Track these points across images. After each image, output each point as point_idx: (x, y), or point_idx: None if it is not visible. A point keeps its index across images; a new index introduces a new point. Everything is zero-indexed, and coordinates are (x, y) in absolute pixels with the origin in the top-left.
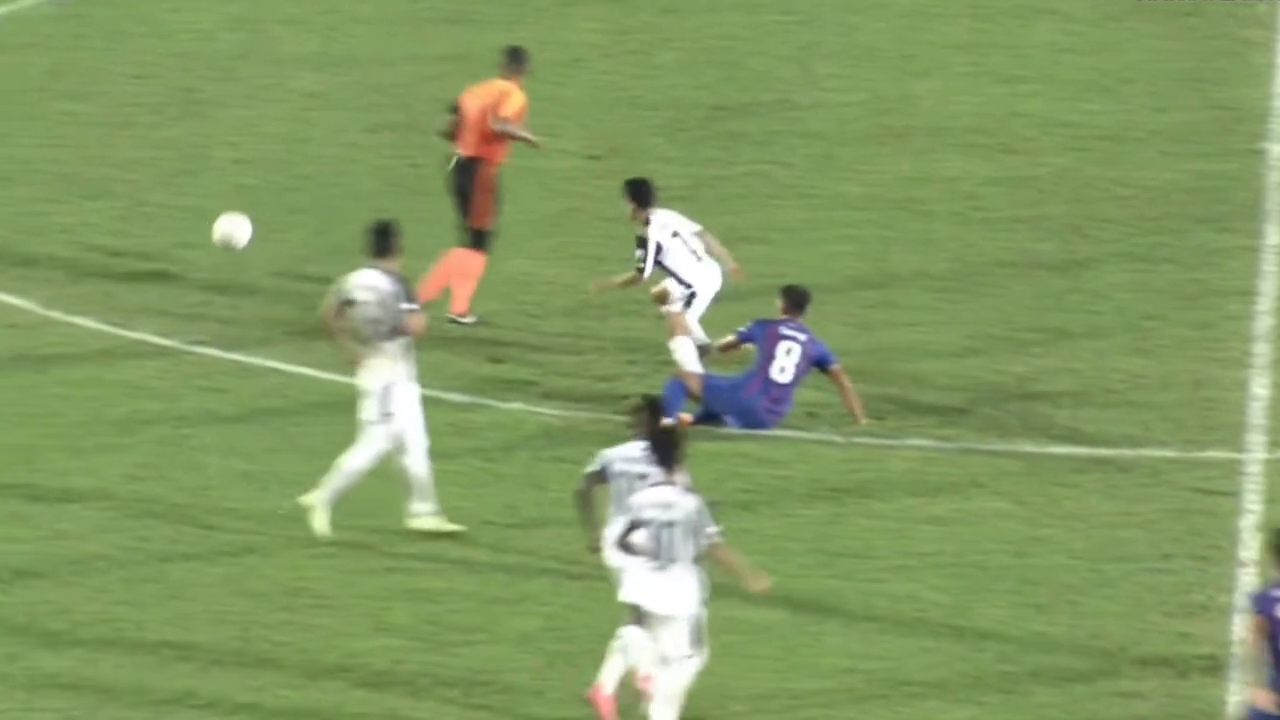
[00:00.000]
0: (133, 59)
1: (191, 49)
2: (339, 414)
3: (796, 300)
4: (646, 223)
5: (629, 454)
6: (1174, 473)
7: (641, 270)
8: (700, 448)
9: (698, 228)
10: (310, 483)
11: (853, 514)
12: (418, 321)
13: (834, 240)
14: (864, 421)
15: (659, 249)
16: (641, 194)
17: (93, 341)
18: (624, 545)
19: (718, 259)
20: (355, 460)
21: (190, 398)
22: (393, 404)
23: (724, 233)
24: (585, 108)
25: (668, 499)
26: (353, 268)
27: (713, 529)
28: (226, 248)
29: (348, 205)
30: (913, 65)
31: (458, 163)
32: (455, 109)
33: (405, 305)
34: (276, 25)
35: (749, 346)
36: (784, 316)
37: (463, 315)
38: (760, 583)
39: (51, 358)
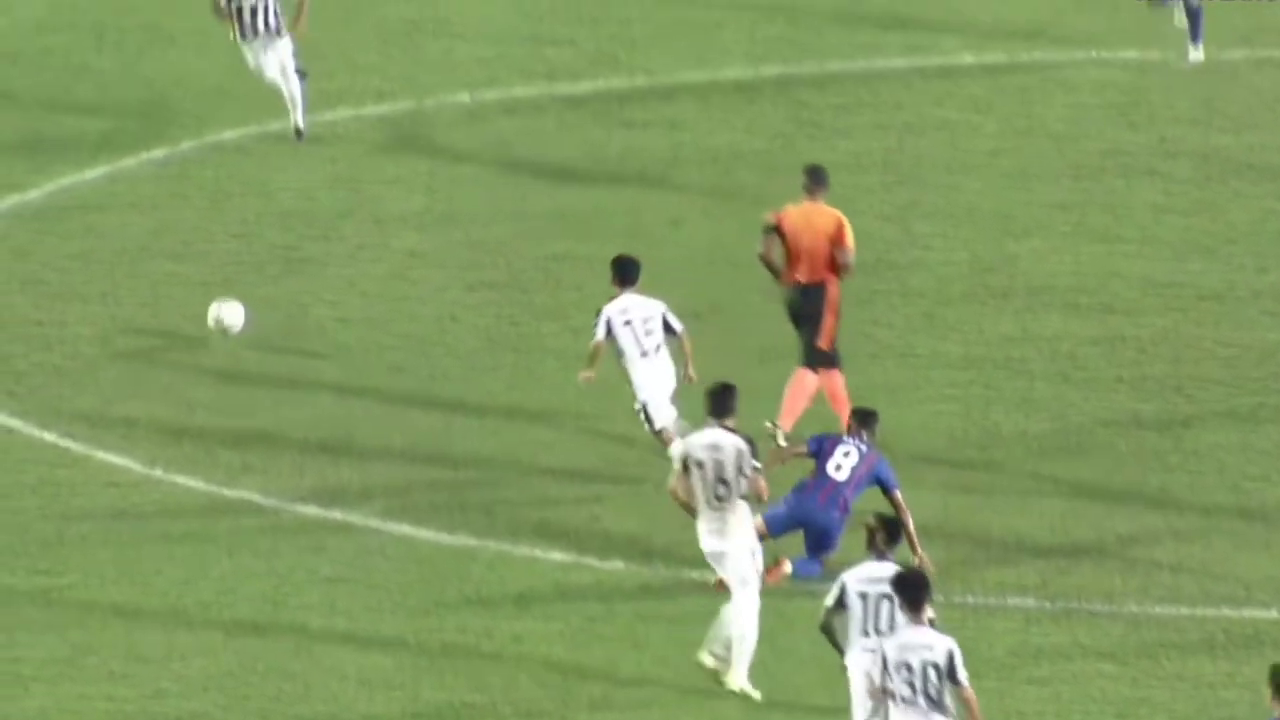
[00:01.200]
0: (234, 218)
1: (293, 208)
2: (439, 573)
3: (862, 419)
4: (611, 299)
5: (867, 574)
6: (1277, 633)
7: (596, 340)
8: (800, 606)
9: (658, 319)
10: (413, 642)
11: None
12: (761, 483)
13: (935, 400)
14: (921, 558)
15: (608, 326)
16: (616, 270)
17: (193, 500)
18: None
19: (678, 359)
20: (747, 625)
21: (290, 556)
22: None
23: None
24: (685, 268)
25: (927, 640)
26: (453, 426)
27: (963, 675)
28: (220, 332)
29: (448, 363)
30: (1013, 225)
31: (801, 289)
32: (773, 229)
33: (751, 465)
34: (378, 185)
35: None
36: (851, 435)
37: (777, 426)
38: None
39: (151, 516)
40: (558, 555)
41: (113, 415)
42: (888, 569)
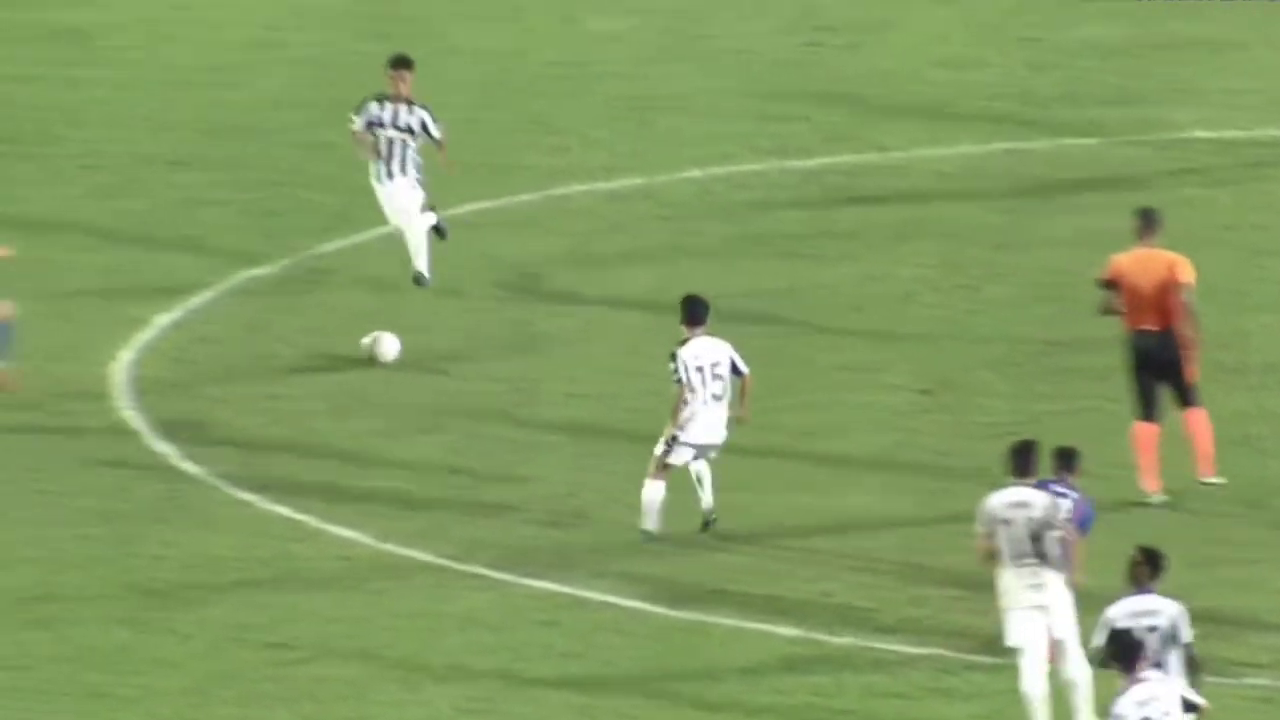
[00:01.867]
0: (466, 292)
1: (523, 283)
2: (671, 648)
3: (1064, 459)
4: (683, 342)
5: (1130, 609)
6: None
7: (679, 383)
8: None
9: (726, 364)
10: (645, 717)
11: None
12: (1070, 539)
13: (1168, 477)
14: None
15: (685, 369)
16: (685, 311)
17: (425, 574)
18: None
19: (735, 400)
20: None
21: (523, 631)
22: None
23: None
24: (915, 342)
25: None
26: (684, 503)
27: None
28: (373, 358)
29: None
30: (1247, 301)
31: (1153, 336)
32: (1108, 284)
33: (1060, 521)
34: (608, 260)
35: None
36: (1054, 476)
37: (1210, 476)
38: None
39: (384, 590)
40: (788, 630)
41: (346, 489)
42: (1151, 602)
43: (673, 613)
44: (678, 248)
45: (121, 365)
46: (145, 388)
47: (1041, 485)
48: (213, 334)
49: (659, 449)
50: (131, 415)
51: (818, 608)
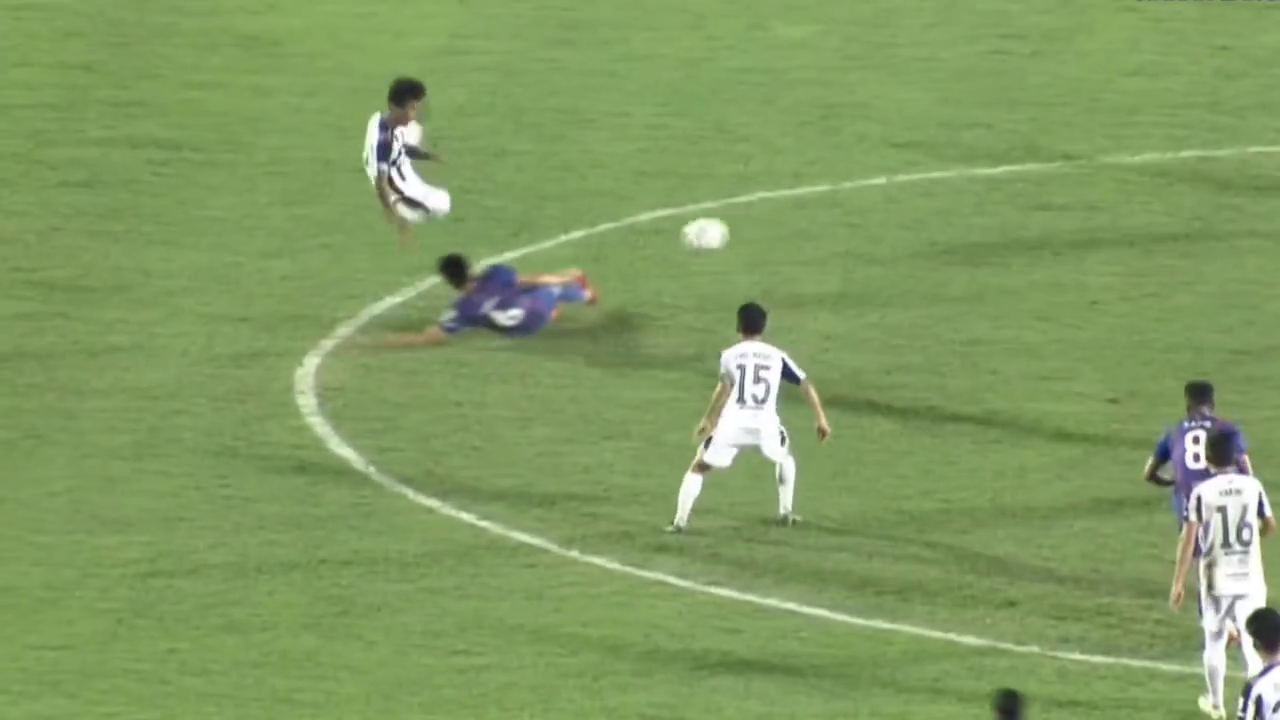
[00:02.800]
0: (650, 300)
1: (709, 290)
2: (854, 657)
3: (1197, 393)
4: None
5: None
6: None
7: (721, 380)
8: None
9: (776, 369)
10: None
11: None
12: (1273, 524)
13: None
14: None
15: (726, 368)
16: (741, 319)
17: (610, 582)
18: None
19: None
20: None
21: (706, 638)
22: None
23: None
24: (1102, 351)
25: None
26: (868, 511)
27: None
28: (699, 250)
29: (864, 447)
30: None
31: None
32: None
33: (1267, 506)
34: (793, 267)
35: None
36: (1190, 415)
37: None
38: None
39: (569, 597)
40: (972, 640)
41: (530, 496)
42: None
43: (856, 621)
44: (863, 255)
45: (308, 371)
46: (331, 394)
47: (1182, 432)
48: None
49: (699, 446)
50: (317, 421)
51: (1003, 618)
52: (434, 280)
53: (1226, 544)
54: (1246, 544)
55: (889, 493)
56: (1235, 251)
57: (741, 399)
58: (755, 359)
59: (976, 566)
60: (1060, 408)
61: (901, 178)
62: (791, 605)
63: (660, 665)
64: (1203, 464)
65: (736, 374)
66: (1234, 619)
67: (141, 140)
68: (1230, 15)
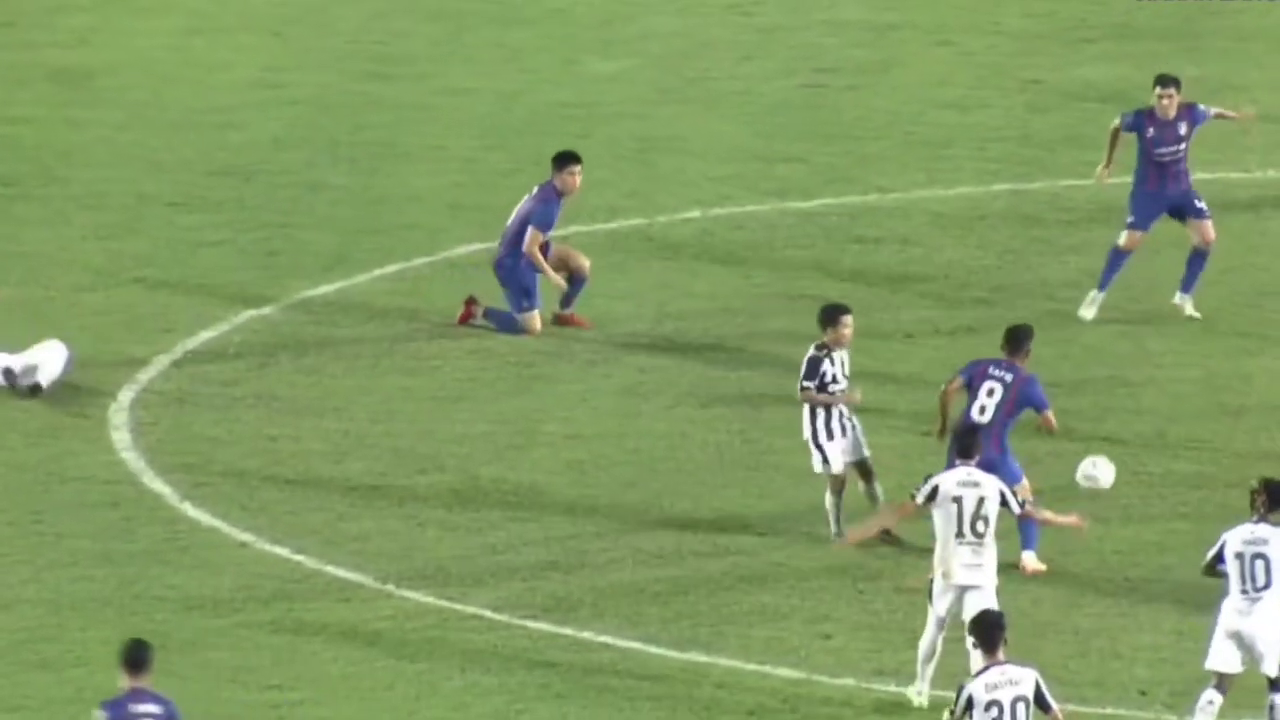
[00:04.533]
0: (467, 334)
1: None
2: (669, 690)
3: (1012, 339)
4: (821, 346)
5: (1246, 535)
6: None
7: (804, 390)
8: None
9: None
10: None
11: None
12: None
13: (1167, 517)
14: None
15: (822, 378)
16: (821, 316)
17: (425, 616)
18: None
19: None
20: None
21: (522, 672)
22: None
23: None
24: (916, 384)
25: (1013, 676)
26: (683, 544)
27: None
28: (1091, 488)
29: (679, 480)
30: (1248, 343)
31: None
32: None
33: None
34: (610, 300)
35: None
36: (1002, 360)
37: None
38: None
39: (384, 632)
40: (787, 672)
41: (345, 530)
42: (1264, 531)
43: (671, 654)
44: (678, 288)
45: (121, 406)
46: (145, 429)
47: (983, 376)
48: (212, 374)
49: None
50: (131, 456)
51: (818, 650)
52: (249, 314)
53: (960, 535)
54: (981, 536)
55: (705, 522)
56: (1046, 285)
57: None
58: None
59: (791, 599)
60: (876, 440)
61: (716, 211)
62: (607, 638)
63: (476, 699)
64: (987, 418)
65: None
66: (963, 609)
67: None
68: (1041, 50)
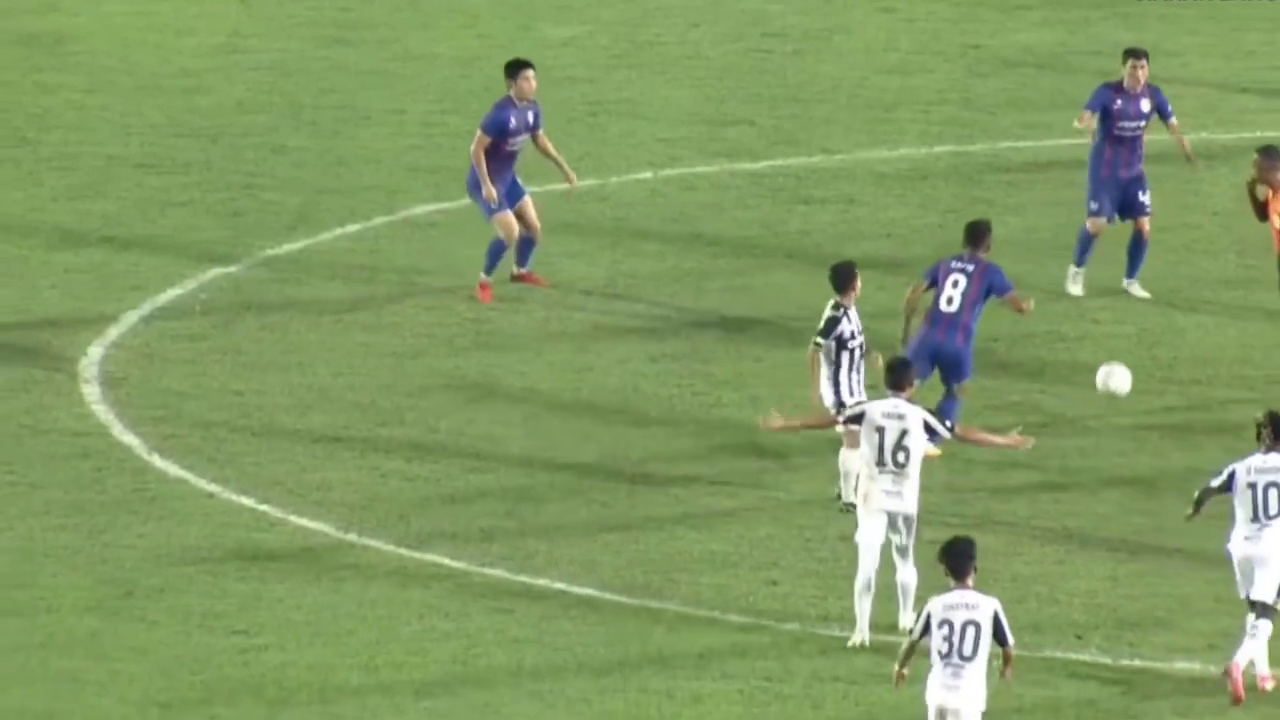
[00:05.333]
0: (425, 291)
1: (475, 283)
2: (621, 634)
3: (972, 234)
4: (837, 306)
5: (1256, 465)
6: None
7: (818, 346)
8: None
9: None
10: (597, 701)
11: None
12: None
13: (1104, 469)
14: (1028, 306)
15: (839, 336)
16: (834, 278)
17: (385, 563)
18: None
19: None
20: None
21: (479, 618)
22: None
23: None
24: None
25: (971, 600)
26: (635, 493)
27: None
28: (1108, 394)
29: (631, 433)
30: (1179, 299)
31: None
32: None
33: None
34: (563, 259)
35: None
36: (964, 252)
37: None
38: None
39: (346, 579)
40: (736, 617)
41: (308, 481)
42: (1275, 460)
43: (624, 600)
44: (629, 247)
45: (92, 361)
46: (114, 383)
47: (947, 271)
48: (179, 330)
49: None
50: (101, 409)
51: (765, 596)
52: (215, 271)
53: (881, 463)
54: (901, 466)
55: (657, 474)
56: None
57: (838, 365)
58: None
59: (740, 547)
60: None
61: (667, 172)
62: (561, 585)
63: (434, 643)
64: (954, 307)
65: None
66: (893, 530)
67: None
68: (981, 16)
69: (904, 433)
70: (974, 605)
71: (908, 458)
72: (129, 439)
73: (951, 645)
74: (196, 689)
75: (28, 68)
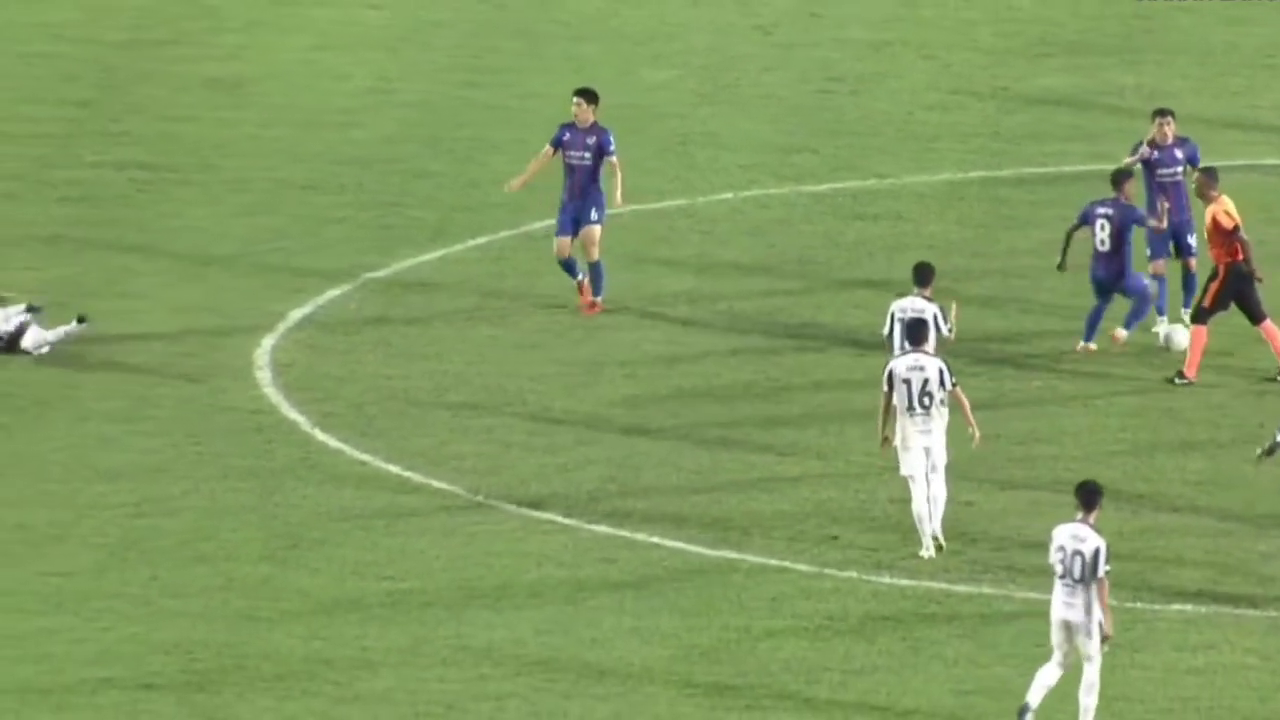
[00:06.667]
0: (542, 294)
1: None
2: (707, 580)
3: (1115, 180)
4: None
5: None
6: None
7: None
8: (999, 609)
9: (929, 321)
10: (685, 636)
11: (1124, 665)
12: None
13: (1110, 442)
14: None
15: (891, 319)
16: (916, 274)
17: (508, 521)
18: None
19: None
20: None
21: (587, 567)
22: None
23: None
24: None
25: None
26: (717, 461)
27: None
28: (1164, 347)
29: (714, 410)
30: (1181, 298)
31: None
32: None
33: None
34: (657, 266)
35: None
36: (1108, 198)
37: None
38: None
39: (476, 534)
40: (803, 567)
41: (445, 452)
42: None
43: (708, 552)
44: (713, 257)
45: (264, 350)
46: (283, 369)
47: (1093, 213)
48: (337, 324)
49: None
50: (271, 392)
51: (828, 548)
52: (366, 276)
53: (911, 408)
54: (927, 408)
55: (736, 443)
56: (1012, 253)
57: (893, 349)
58: (910, 312)
59: (805, 508)
60: (878, 377)
61: (745, 193)
62: (656, 539)
63: (550, 588)
64: (1107, 247)
65: (899, 327)
66: (928, 456)
67: (127, 164)
68: (1009, 63)
69: (925, 380)
70: (1083, 539)
71: (931, 400)
72: (295, 416)
73: (1066, 568)
74: (352, 625)
75: (212, 105)
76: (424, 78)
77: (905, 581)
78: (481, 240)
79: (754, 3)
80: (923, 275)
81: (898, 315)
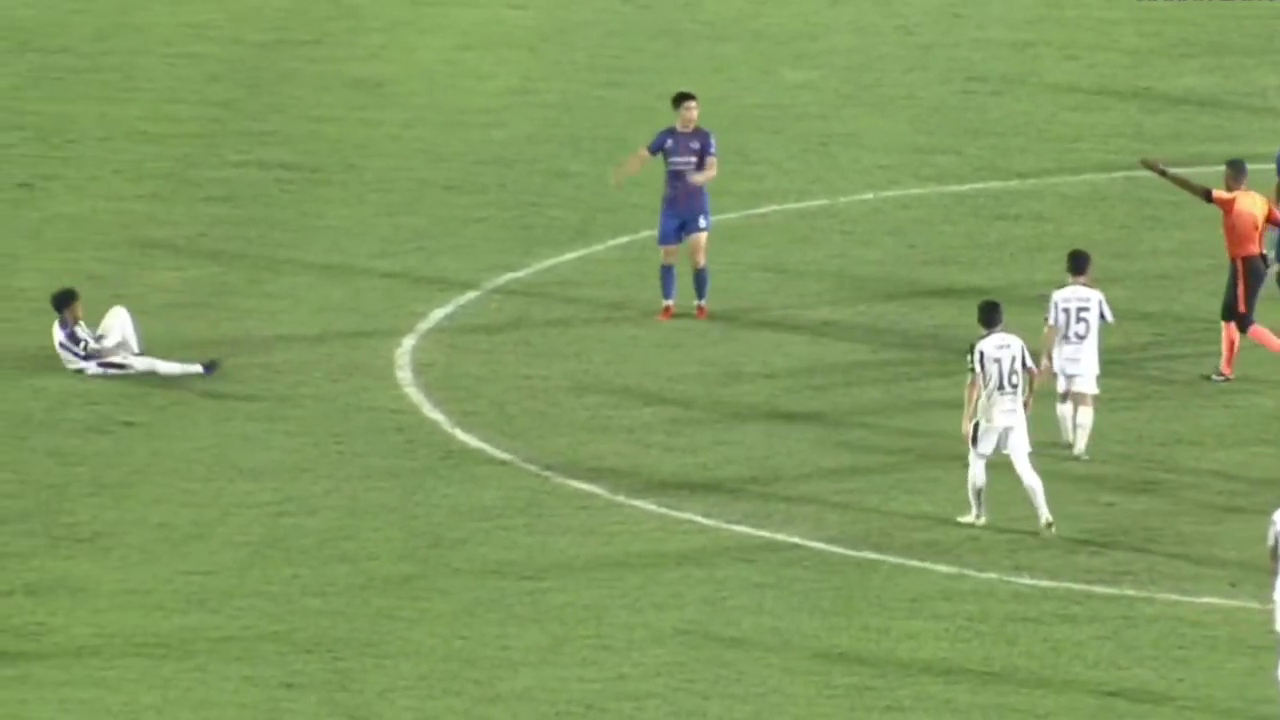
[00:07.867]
0: (685, 294)
1: (729, 285)
2: (847, 581)
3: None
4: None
5: None
6: None
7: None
8: (1141, 612)
9: (1019, 356)
10: (825, 637)
11: (1267, 667)
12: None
13: (1250, 442)
14: None
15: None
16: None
17: (648, 521)
18: None
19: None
20: None
21: (727, 567)
22: None
23: None
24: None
25: None
26: (859, 462)
27: None
28: None
29: (854, 413)
30: None
31: None
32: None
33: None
34: (798, 266)
35: None
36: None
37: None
38: None
39: (616, 533)
40: (943, 568)
41: (585, 451)
42: None
43: (849, 552)
44: (854, 256)
45: (405, 350)
46: (424, 369)
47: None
48: (478, 325)
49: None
50: (412, 391)
51: (968, 549)
52: (507, 276)
53: (1001, 388)
54: (1015, 387)
55: (875, 447)
56: (1155, 254)
57: (1002, 387)
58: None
59: (944, 508)
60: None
61: (886, 194)
62: (796, 539)
63: (690, 588)
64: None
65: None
66: (1006, 444)
67: (271, 163)
68: (1151, 63)
69: (1014, 359)
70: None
71: (1019, 379)
72: (436, 415)
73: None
74: (491, 624)
75: (354, 106)
76: (565, 78)
77: (1046, 583)
78: (622, 240)
79: (896, 3)
80: (1079, 263)
81: (1061, 305)
